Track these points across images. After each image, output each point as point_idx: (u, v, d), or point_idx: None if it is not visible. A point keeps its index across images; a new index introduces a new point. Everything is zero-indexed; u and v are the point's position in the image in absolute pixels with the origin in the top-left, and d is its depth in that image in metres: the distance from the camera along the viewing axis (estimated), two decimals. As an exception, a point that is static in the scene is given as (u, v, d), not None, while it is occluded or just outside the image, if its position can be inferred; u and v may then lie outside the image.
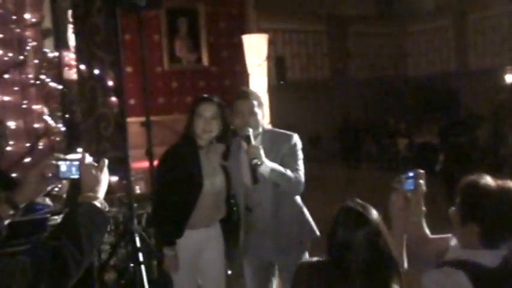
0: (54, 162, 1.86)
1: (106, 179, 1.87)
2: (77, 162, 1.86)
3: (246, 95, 3.29)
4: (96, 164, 1.86)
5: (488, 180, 2.07)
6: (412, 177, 2.34)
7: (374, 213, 2.06)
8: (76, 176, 1.86)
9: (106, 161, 1.89)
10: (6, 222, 1.84)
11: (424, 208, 2.41)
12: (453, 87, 15.68)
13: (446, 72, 16.55)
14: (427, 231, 2.45)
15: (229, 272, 3.84)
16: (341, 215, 2.08)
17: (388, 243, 2.01)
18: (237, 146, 3.33)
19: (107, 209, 1.79)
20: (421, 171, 2.37)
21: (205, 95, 3.39)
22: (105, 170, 1.87)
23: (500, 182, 2.06)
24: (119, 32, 4.06)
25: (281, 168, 3.13)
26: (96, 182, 1.82)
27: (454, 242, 2.24)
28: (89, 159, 1.87)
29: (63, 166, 1.86)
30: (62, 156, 1.89)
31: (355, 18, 16.17)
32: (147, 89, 4.73)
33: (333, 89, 15.17)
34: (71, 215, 1.73)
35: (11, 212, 1.83)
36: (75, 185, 2.09)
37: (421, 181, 2.36)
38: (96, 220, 1.72)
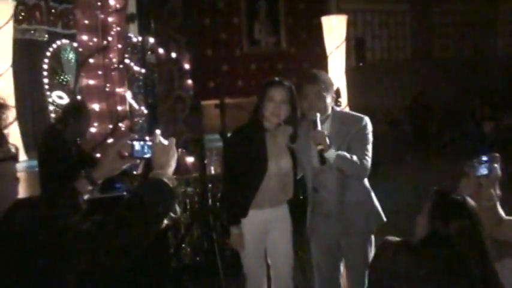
0: (129, 142, 1.97)
1: (174, 157, 1.96)
2: (149, 142, 1.96)
3: (314, 79, 3.25)
4: (166, 143, 1.96)
5: None
6: (486, 161, 2.24)
7: (471, 203, 2.00)
8: (148, 155, 1.96)
9: (173, 140, 1.98)
10: (86, 197, 1.97)
11: (499, 192, 2.31)
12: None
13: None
14: (502, 212, 2.36)
15: (300, 252, 3.86)
16: (439, 204, 2.02)
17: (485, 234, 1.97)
18: (306, 127, 3.30)
19: (175, 184, 1.89)
20: (497, 154, 2.28)
21: (276, 78, 3.35)
22: (174, 149, 1.95)
23: None
24: (194, 16, 4.15)
25: (346, 155, 3.11)
26: (165, 159, 1.91)
27: None
28: (159, 138, 1.96)
29: (137, 146, 1.96)
30: (136, 136, 2.00)
31: (440, -3, 15.53)
32: (220, 72, 4.83)
33: (415, 70, 14.69)
34: (139, 188, 1.90)
35: (90, 188, 1.96)
36: (148, 164, 2.20)
37: (496, 165, 2.26)
38: (162, 194, 1.82)
